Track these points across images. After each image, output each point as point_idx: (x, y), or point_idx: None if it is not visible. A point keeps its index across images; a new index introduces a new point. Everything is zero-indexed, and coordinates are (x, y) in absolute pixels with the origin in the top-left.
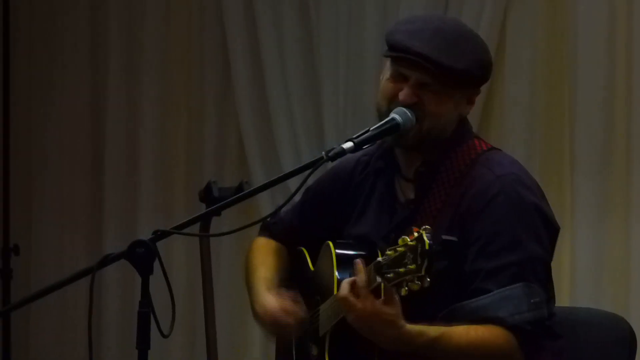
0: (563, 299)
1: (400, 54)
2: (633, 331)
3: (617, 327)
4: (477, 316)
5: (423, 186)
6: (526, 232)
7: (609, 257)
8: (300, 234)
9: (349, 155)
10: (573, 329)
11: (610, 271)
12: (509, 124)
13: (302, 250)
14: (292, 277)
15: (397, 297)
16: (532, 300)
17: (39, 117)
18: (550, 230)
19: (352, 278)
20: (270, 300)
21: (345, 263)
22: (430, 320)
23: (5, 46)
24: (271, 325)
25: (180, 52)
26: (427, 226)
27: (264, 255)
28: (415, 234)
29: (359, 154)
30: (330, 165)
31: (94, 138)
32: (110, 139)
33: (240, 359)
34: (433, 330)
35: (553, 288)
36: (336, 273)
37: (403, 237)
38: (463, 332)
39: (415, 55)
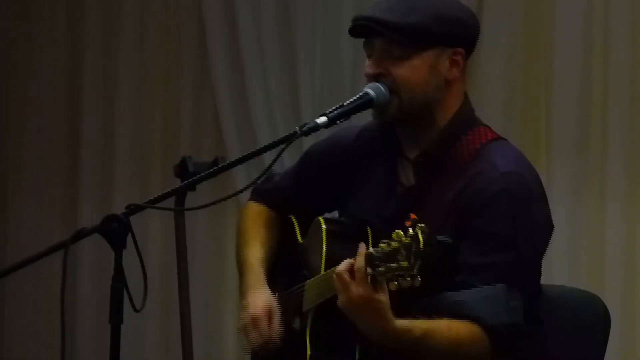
0: None
1: (353, 23)
2: (607, 309)
3: (592, 305)
4: (456, 311)
5: (423, 175)
6: (521, 234)
7: (584, 236)
8: (293, 201)
9: (349, 127)
10: (547, 305)
11: (585, 251)
12: (484, 104)
13: (292, 220)
14: (279, 246)
15: (386, 289)
16: (510, 304)
17: (14, 91)
18: (546, 231)
19: (352, 260)
20: (264, 299)
21: (335, 242)
22: (410, 308)
23: None
24: (252, 320)
25: (157, 28)
26: (422, 224)
27: (257, 227)
28: (410, 231)
29: (360, 127)
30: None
31: (71, 113)
32: (86, 114)
33: (214, 334)
34: (418, 329)
35: (539, 282)
36: (324, 250)
37: (397, 231)
38: (445, 331)
39: (364, 19)
